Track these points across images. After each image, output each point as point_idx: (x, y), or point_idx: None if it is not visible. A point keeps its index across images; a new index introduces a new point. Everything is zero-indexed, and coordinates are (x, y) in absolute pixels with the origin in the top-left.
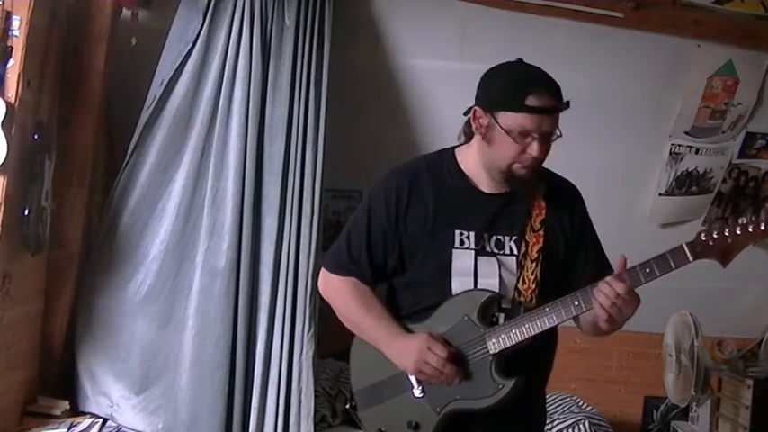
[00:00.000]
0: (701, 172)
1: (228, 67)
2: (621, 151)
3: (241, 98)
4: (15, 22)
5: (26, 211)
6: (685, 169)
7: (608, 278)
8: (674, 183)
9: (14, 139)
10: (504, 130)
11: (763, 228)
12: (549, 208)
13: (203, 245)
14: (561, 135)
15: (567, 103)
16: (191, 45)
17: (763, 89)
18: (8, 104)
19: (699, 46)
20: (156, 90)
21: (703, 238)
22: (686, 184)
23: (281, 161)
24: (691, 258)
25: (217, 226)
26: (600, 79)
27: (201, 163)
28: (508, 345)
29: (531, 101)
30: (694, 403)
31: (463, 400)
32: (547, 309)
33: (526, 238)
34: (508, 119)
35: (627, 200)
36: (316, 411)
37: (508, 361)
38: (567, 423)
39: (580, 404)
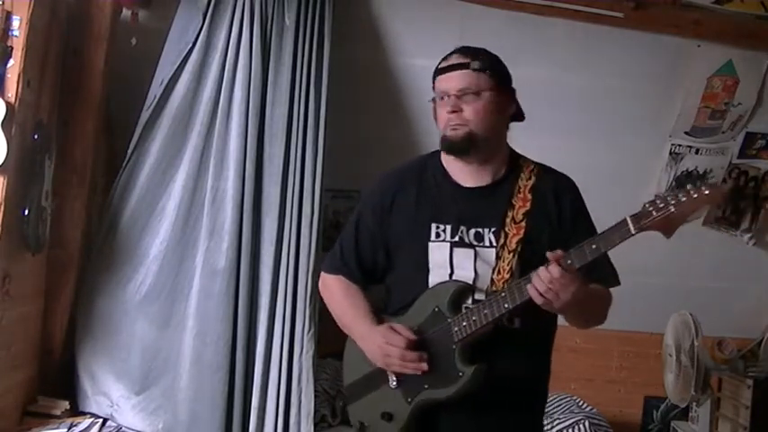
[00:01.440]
0: (700, 172)
1: (228, 67)
2: (621, 151)
3: (241, 98)
4: (15, 22)
5: (26, 211)
6: (685, 169)
7: (548, 264)
8: (674, 183)
9: (14, 139)
10: (434, 101)
11: (707, 192)
12: (536, 200)
13: (203, 245)
14: (491, 90)
15: (479, 58)
16: (191, 45)
17: (763, 89)
18: (8, 104)
19: (699, 46)
20: (156, 90)
21: (648, 208)
22: (686, 184)
23: (281, 161)
24: (633, 231)
25: (217, 226)
26: (600, 79)
27: (201, 163)
28: (469, 332)
29: (442, 64)
30: (694, 403)
31: (431, 390)
32: (503, 294)
33: (506, 229)
34: (434, 89)
35: (627, 200)
36: (316, 411)
37: (479, 350)
38: (567, 423)
39: (580, 404)
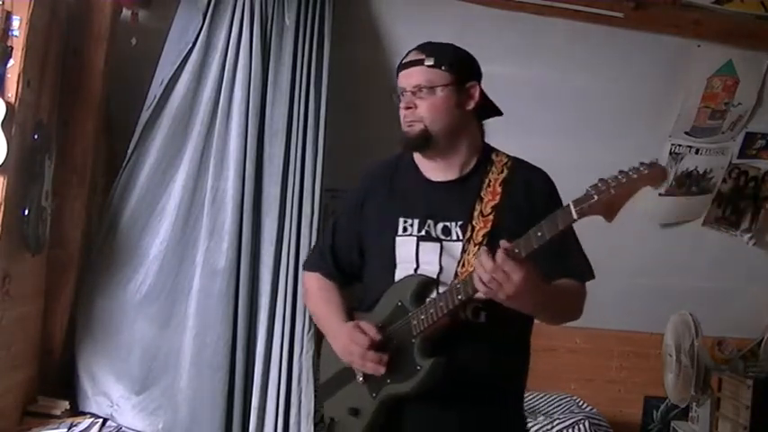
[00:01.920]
0: (700, 172)
1: (228, 67)
2: (621, 151)
3: (241, 98)
4: (15, 22)
5: (26, 211)
6: (685, 169)
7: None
8: (674, 183)
9: (14, 139)
10: (397, 97)
11: (646, 172)
12: (506, 193)
13: (203, 245)
14: (447, 86)
15: (435, 54)
16: (191, 45)
17: (763, 89)
18: (8, 104)
19: (699, 46)
20: (156, 90)
21: (591, 192)
22: (686, 184)
23: (281, 161)
24: (575, 216)
25: (217, 226)
26: (600, 79)
27: (201, 163)
28: (426, 325)
29: (402, 61)
30: (694, 403)
31: (393, 384)
32: (458, 286)
33: (473, 222)
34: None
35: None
36: (316, 411)
37: (443, 344)
38: (567, 423)
39: (580, 404)
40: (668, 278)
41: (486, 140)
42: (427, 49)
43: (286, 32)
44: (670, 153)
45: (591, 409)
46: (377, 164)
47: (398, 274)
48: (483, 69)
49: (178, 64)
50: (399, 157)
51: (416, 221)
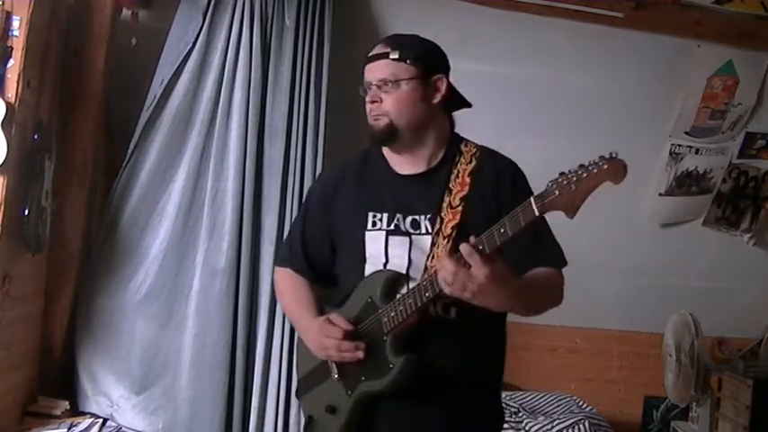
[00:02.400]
0: (700, 172)
1: (228, 67)
2: (621, 151)
3: (241, 98)
4: (15, 22)
5: (26, 211)
6: (685, 169)
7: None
8: (673, 183)
9: (14, 139)
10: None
11: (606, 167)
12: (474, 184)
13: (203, 245)
14: (412, 79)
15: (399, 47)
16: (191, 45)
17: (763, 89)
18: (8, 104)
19: (699, 46)
20: (156, 90)
21: (552, 187)
22: (686, 184)
23: (281, 161)
24: (537, 211)
25: (217, 226)
26: (600, 79)
27: (201, 163)
28: (396, 323)
29: (367, 54)
30: (694, 403)
31: (367, 382)
32: (425, 282)
33: (442, 215)
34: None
35: (627, 200)
36: None
37: (414, 341)
38: (567, 423)
39: (580, 404)
40: (668, 278)
41: (487, 140)
42: (392, 42)
43: (286, 32)
44: (670, 153)
45: (591, 409)
46: (345, 158)
47: (368, 269)
48: (483, 69)
49: (178, 64)
50: (367, 151)
51: (385, 215)
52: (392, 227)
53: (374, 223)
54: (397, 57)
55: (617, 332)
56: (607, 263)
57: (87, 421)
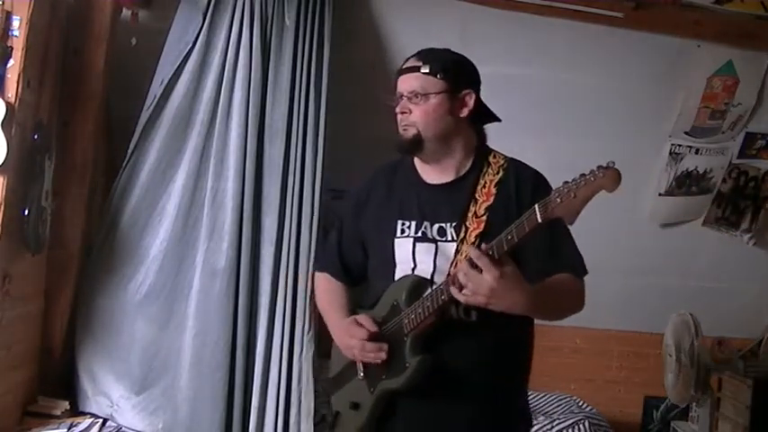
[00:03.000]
0: (700, 172)
1: (228, 67)
2: (621, 151)
3: (241, 98)
4: (15, 22)
5: (26, 211)
6: (685, 169)
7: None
8: (673, 183)
9: (14, 139)
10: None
11: (602, 176)
12: (499, 194)
13: (203, 245)
14: (440, 93)
15: (431, 62)
16: (191, 45)
17: (763, 89)
18: (8, 104)
19: (699, 46)
20: (156, 90)
21: (555, 196)
22: (686, 184)
23: (281, 161)
24: (539, 218)
25: (217, 226)
26: (600, 79)
27: (201, 163)
28: (415, 324)
29: (401, 66)
30: (694, 403)
31: (387, 380)
32: (441, 286)
33: (467, 223)
34: None
35: (627, 200)
36: (316, 411)
37: (434, 342)
38: (567, 423)
39: (580, 404)
40: (668, 278)
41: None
42: (425, 56)
43: (286, 32)
44: (670, 153)
45: (591, 409)
46: (380, 166)
47: (398, 274)
48: (483, 69)
49: (178, 64)
50: (400, 161)
51: (413, 223)
52: (419, 234)
53: (403, 230)
54: (427, 71)
55: (617, 332)
56: (607, 263)
57: (87, 421)
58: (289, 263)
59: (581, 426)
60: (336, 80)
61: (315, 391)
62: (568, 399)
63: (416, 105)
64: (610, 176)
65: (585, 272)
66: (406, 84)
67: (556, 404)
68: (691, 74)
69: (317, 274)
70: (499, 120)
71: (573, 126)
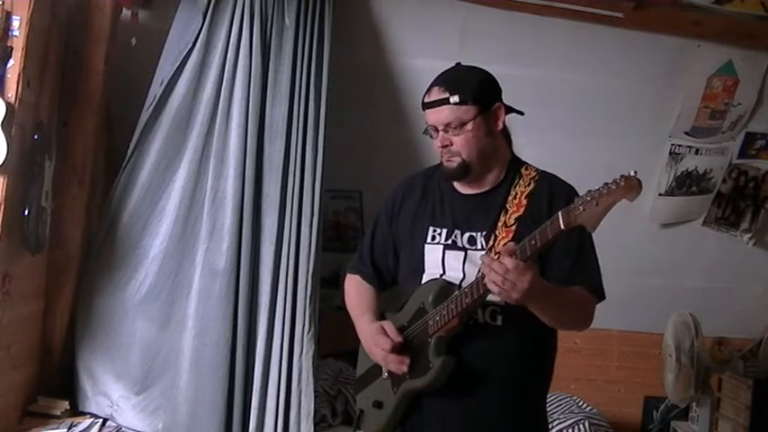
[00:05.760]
0: (700, 172)
1: (228, 67)
2: (621, 151)
3: (241, 98)
4: (15, 22)
5: (26, 211)
6: (685, 169)
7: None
8: (673, 183)
9: (14, 139)
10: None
11: (623, 184)
12: (530, 206)
13: (203, 245)
14: (473, 120)
15: (458, 90)
16: (191, 45)
17: (763, 89)
18: (8, 104)
19: (699, 46)
20: (156, 90)
21: (578, 203)
22: (686, 184)
23: (281, 161)
24: (562, 225)
25: (217, 226)
26: (600, 79)
27: (201, 163)
28: (439, 326)
29: (425, 98)
30: (694, 403)
31: (411, 380)
32: (466, 290)
33: (496, 232)
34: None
35: (626, 200)
36: (316, 411)
37: (458, 344)
38: (567, 423)
39: (580, 404)
40: (668, 278)
41: None
42: (448, 84)
43: (286, 32)
44: (670, 153)
45: (591, 409)
46: (415, 174)
47: (425, 279)
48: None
49: (178, 64)
50: (435, 168)
51: (444, 231)
52: (449, 242)
53: (434, 237)
54: (457, 101)
55: (617, 332)
56: (607, 263)
57: (87, 421)
58: (289, 263)
59: (581, 426)
60: (336, 80)
61: (315, 391)
62: (568, 399)
63: (456, 136)
64: (632, 185)
65: (603, 296)
66: (438, 117)
67: (556, 404)
68: (691, 74)
69: (348, 275)
70: (521, 113)
71: (573, 126)
